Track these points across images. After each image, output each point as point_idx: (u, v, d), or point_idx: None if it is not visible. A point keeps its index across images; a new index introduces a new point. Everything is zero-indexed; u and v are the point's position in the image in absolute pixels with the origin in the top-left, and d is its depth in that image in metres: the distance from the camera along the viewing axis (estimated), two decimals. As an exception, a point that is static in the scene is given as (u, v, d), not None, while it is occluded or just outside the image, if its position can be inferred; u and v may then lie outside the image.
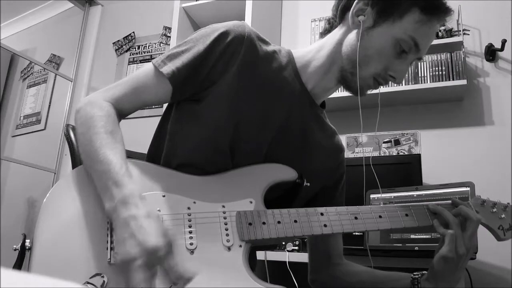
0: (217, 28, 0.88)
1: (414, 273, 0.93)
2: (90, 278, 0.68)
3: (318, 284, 1.08)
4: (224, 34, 0.86)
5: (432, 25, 0.88)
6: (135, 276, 0.63)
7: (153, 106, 2.84)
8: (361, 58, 0.88)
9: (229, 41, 0.86)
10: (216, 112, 0.87)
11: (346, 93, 2.24)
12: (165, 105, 0.97)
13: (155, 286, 0.65)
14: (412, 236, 1.55)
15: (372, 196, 1.74)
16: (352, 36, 0.90)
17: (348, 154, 2.26)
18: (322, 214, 0.84)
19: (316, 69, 0.94)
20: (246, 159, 0.89)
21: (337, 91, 2.16)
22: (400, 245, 1.57)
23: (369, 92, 0.94)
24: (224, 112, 0.86)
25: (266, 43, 0.93)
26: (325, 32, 0.98)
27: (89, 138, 0.78)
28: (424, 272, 0.92)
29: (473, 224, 0.85)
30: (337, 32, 0.94)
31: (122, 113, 0.88)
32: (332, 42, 0.93)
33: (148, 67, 0.88)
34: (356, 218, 0.85)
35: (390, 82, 0.93)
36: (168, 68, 0.85)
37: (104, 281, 0.69)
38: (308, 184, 0.94)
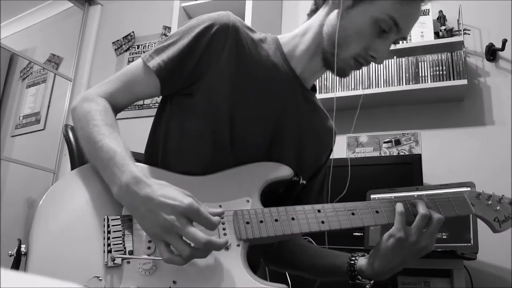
0: (203, 20, 0.88)
1: (354, 253, 0.93)
2: (88, 281, 0.68)
3: (267, 258, 1.07)
4: (209, 25, 0.87)
5: (413, 4, 0.87)
6: (179, 239, 0.67)
7: (152, 106, 2.84)
8: (341, 38, 0.88)
9: (214, 31, 0.87)
10: (211, 104, 0.87)
11: (345, 93, 2.25)
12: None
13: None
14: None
15: (372, 196, 1.74)
16: (333, 16, 0.90)
17: (348, 154, 2.26)
18: (319, 211, 0.83)
19: (303, 52, 0.95)
20: (247, 153, 0.89)
21: (336, 91, 2.17)
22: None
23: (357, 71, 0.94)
24: (220, 103, 0.87)
25: (252, 31, 0.94)
26: (311, 14, 0.98)
27: (90, 131, 0.79)
28: (365, 253, 0.92)
29: (432, 222, 0.83)
30: (320, 13, 0.94)
31: (116, 108, 0.89)
32: (316, 24, 0.94)
33: (137, 62, 0.89)
34: (353, 214, 0.84)
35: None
36: (154, 62, 0.86)
37: (101, 284, 0.69)
38: (304, 182, 0.93)
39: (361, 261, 0.90)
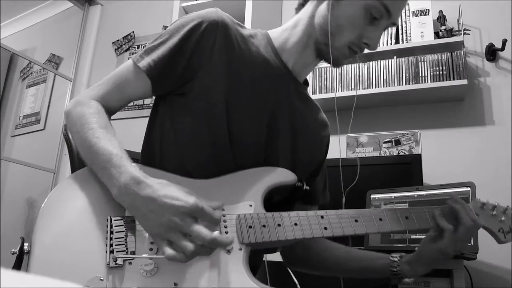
0: (191, 18, 0.88)
1: (392, 255, 0.95)
2: (89, 281, 0.68)
3: (291, 259, 1.08)
4: (198, 23, 0.87)
5: None
6: (182, 237, 0.68)
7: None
8: (333, 28, 0.88)
9: (204, 29, 0.86)
10: (206, 102, 0.86)
11: (345, 93, 2.24)
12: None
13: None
14: (413, 237, 1.55)
15: (372, 196, 1.73)
16: (323, 7, 0.90)
17: (348, 154, 2.26)
18: (322, 217, 0.83)
19: (294, 45, 0.95)
20: (245, 152, 0.89)
21: (336, 91, 2.17)
22: (401, 245, 1.56)
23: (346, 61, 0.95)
24: (214, 101, 0.86)
25: (242, 27, 0.94)
26: (299, 7, 0.98)
27: (85, 135, 0.79)
28: (403, 254, 0.94)
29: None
30: (310, 5, 0.94)
31: (110, 110, 0.88)
32: (306, 16, 0.94)
33: (128, 63, 0.89)
34: (356, 221, 0.84)
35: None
36: (144, 62, 0.86)
37: (103, 284, 0.69)
38: (308, 188, 0.93)
39: (404, 267, 0.93)
